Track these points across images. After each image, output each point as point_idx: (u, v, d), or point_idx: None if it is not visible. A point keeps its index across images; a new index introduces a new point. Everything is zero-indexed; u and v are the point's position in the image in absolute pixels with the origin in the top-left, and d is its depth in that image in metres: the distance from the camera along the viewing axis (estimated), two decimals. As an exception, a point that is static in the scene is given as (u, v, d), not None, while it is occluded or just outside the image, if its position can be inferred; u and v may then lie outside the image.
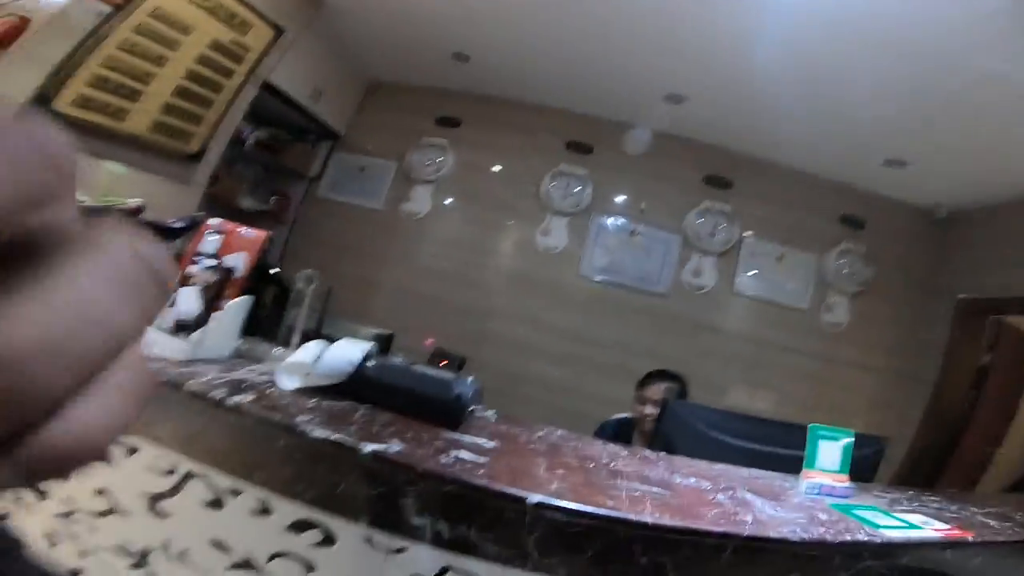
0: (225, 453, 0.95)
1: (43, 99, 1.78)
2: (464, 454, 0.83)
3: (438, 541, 0.79)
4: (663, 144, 3.15)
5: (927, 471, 2.65)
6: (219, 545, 0.99)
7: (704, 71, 2.52)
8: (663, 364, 2.92)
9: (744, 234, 3.13)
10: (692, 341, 3.06)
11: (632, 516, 0.76)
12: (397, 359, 1.04)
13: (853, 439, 1.20)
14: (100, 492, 1.11)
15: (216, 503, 0.97)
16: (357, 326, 1.80)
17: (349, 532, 0.86)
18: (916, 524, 0.95)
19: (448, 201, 3.39)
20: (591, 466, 0.95)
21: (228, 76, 2.34)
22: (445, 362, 2.30)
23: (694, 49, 2.38)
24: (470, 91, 3.32)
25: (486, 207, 3.34)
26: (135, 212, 1.39)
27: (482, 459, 0.84)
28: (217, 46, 2.23)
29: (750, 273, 3.12)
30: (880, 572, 0.84)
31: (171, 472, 1.02)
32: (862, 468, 1.21)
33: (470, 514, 0.77)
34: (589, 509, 0.75)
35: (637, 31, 2.38)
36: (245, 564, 0.97)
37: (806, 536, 0.83)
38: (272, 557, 0.93)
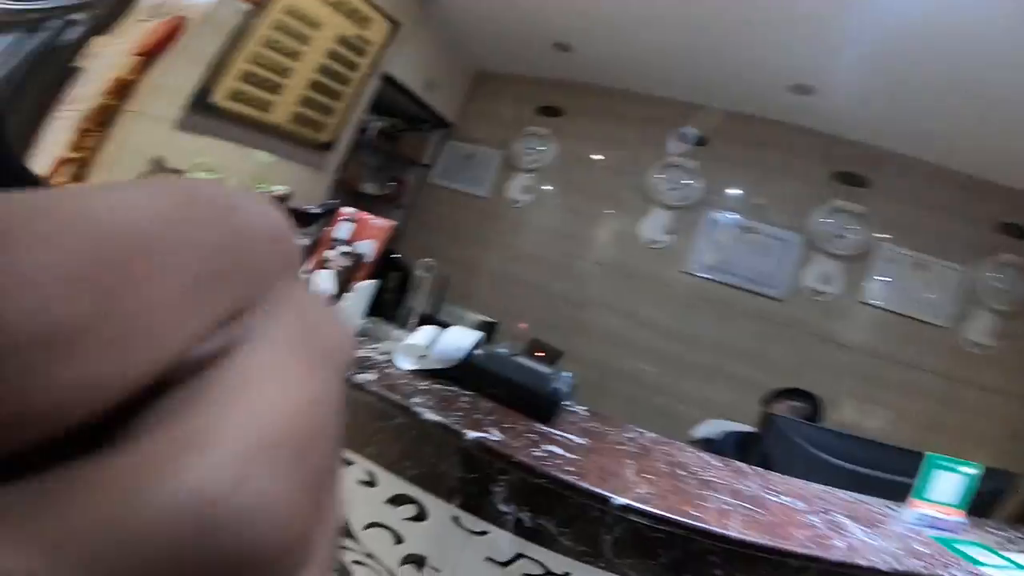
0: (345, 427, 1.06)
1: (204, 93, 1.99)
2: (556, 449, 0.89)
3: (519, 529, 0.84)
4: (785, 136, 2.91)
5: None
6: None
7: (834, 59, 2.30)
8: (768, 371, 2.77)
9: (878, 237, 2.79)
10: (805, 350, 2.81)
11: (715, 528, 0.78)
12: (501, 348, 1.11)
13: (978, 472, 1.10)
14: None
15: None
16: (466, 312, 1.90)
17: (440, 510, 0.93)
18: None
19: (549, 190, 3.41)
20: (681, 474, 0.97)
21: (353, 69, 2.51)
22: (542, 353, 2.37)
23: (823, 36, 2.20)
24: (573, 80, 3.30)
25: (587, 197, 3.29)
26: (282, 199, 1.57)
27: (571, 455, 0.89)
28: (343, 40, 2.39)
29: (882, 281, 2.78)
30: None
31: None
32: (982, 503, 1.11)
33: (553, 507, 0.82)
34: (672, 516, 0.77)
35: (759, 16, 2.23)
36: (343, 531, 1.07)
37: (898, 567, 0.79)
38: (368, 526, 1.02)
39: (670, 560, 0.79)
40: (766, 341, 2.85)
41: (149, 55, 1.89)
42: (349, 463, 1.05)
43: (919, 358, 2.73)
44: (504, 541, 0.87)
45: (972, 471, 1.09)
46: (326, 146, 2.59)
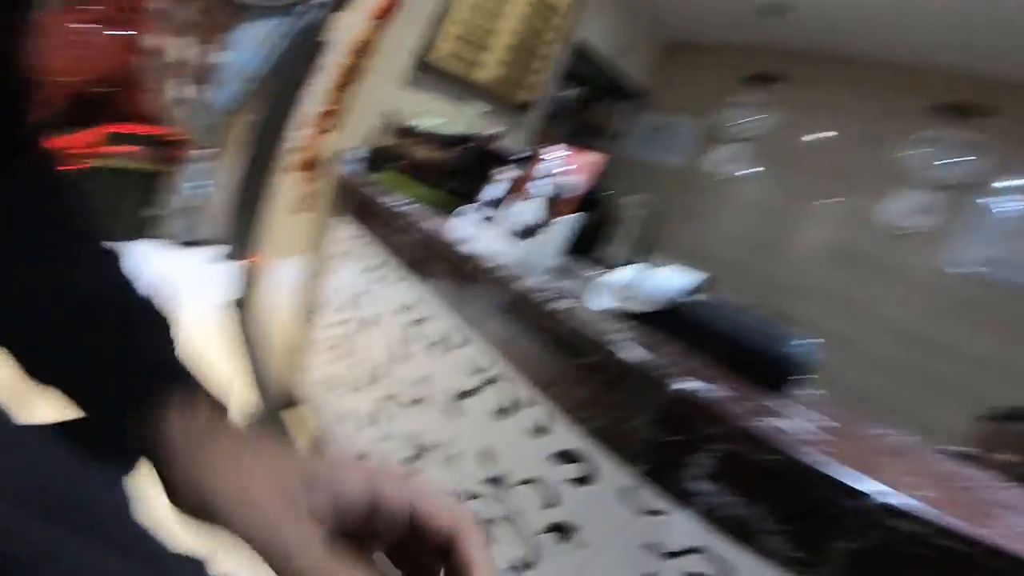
0: (533, 360, 0.96)
1: (425, 50, 2.20)
2: (786, 424, 0.70)
3: (713, 516, 0.67)
4: None
5: None
6: (487, 455, 1.00)
7: None
8: None
9: None
10: None
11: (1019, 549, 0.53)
12: (728, 304, 0.92)
13: None
14: (421, 381, 1.24)
15: (503, 412, 0.99)
16: (678, 264, 1.73)
17: (612, 476, 0.79)
18: None
19: (759, 163, 3.03)
20: (960, 485, 0.71)
21: (547, 33, 2.57)
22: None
23: None
24: (791, 45, 2.93)
25: (808, 172, 2.88)
26: (492, 139, 1.60)
27: (809, 436, 0.69)
28: (536, 3, 2.46)
29: None
30: None
31: (482, 371, 1.06)
32: None
33: (773, 495, 0.64)
34: (964, 529, 0.55)
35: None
36: (495, 480, 0.98)
37: None
38: (524, 482, 0.91)
39: None
40: None
41: (382, 18, 2.10)
42: (525, 406, 0.96)
43: None
44: (681, 529, 0.70)
45: None
46: (523, 107, 2.69)
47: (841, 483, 0.59)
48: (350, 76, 2.11)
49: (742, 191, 3.08)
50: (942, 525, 0.55)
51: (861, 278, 2.62)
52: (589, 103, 3.54)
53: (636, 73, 3.38)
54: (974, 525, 0.57)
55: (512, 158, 1.60)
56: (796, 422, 0.72)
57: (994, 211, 2.38)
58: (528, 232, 1.16)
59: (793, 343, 0.81)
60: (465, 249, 1.15)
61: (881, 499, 0.57)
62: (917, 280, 2.50)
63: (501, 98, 2.50)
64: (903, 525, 0.56)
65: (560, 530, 0.85)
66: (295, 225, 2.19)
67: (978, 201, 2.42)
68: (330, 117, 2.13)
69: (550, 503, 0.87)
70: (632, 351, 0.77)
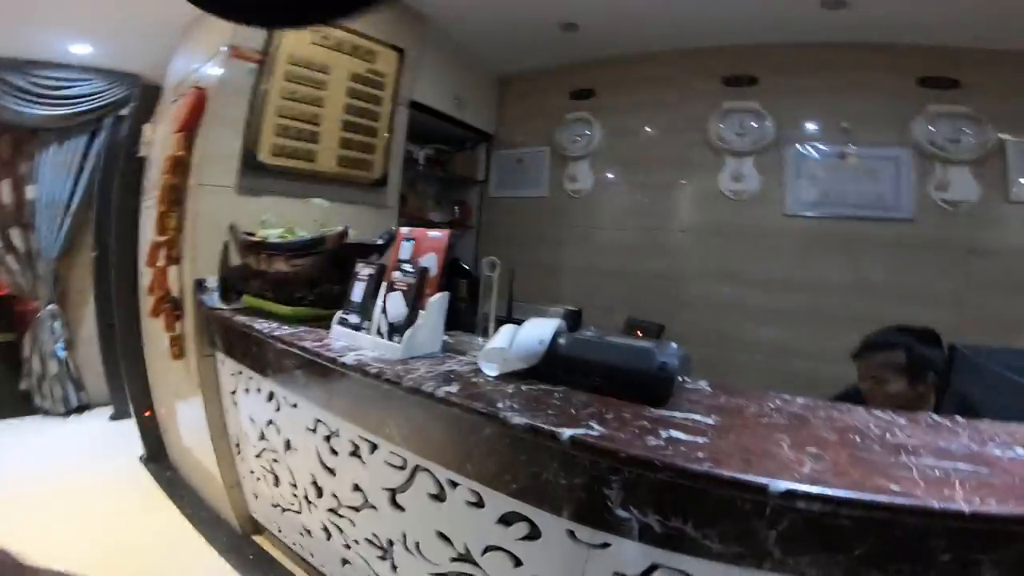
0: (442, 445, 0.97)
1: (250, 154, 2.06)
2: (678, 434, 0.69)
3: (646, 536, 0.67)
4: (845, 56, 2.60)
5: None
6: (443, 537, 1.02)
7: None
8: (927, 303, 2.36)
9: (1000, 135, 2.39)
10: (962, 270, 2.39)
11: (937, 504, 0.55)
12: (588, 332, 0.94)
13: None
14: (356, 488, 1.25)
15: (439, 496, 1.00)
16: (546, 307, 1.77)
17: (553, 525, 0.80)
18: None
19: (610, 171, 3.22)
20: (858, 440, 0.74)
21: (378, 103, 2.54)
22: (640, 333, 2.14)
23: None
24: (593, 58, 3.15)
25: (652, 167, 3.06)
26: (343, 235, 1.55)
27: (701, 439, 0.69)
28: (357, 77, 2.43)
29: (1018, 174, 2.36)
30: None
31: (403, 467, 1.09)
32: None
33: (687, 505, 0.64)
34: (868, 497, 0.56)
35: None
36: (464, 557, 0.98)
37: None
38: (486, 550, 0.93)
39: (867, 550, 0.58)
40: (906, 269, 2.47)
41: (187, 129, 1.98)
42: (455, 484, 0.97)
43: None
44: (632, 552, 0.72)
45: None
46: (379, 183, 2.63)
47: (738, 481, 0.59)
48: (173, 195, 1.97)
49: (602, 200, 3.25)
50: (843, 497, 0.56)
51: (729, 244, 2.83)
52: (447, 157, 3.63)
53: (479, 117, 3.50)
54: (883, 480, 0.59)
55: (372, 245, 1.57)
56: (685, 430, 0.73)
57: (807, 157, 2.70)
58: (403, 325, 1.13)
59: (661, 354, 0.83)
60: (349, 361, 1.11)
61: (779, 488, 0.57)
62: (771, 234, 2.74)
63: (351, 181, 2.47)
64: (810, 506, 0.57)
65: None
66: (178, 368, 2.03)
67: (790, 153, 2.72)
68: (169, 246, 1.97)
69: (517, 563, 0.88)
70: (517, 416, 0.76)
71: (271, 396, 1.53)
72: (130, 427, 2.72)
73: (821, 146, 2.70)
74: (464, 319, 1.28)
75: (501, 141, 3.61)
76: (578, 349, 0.87)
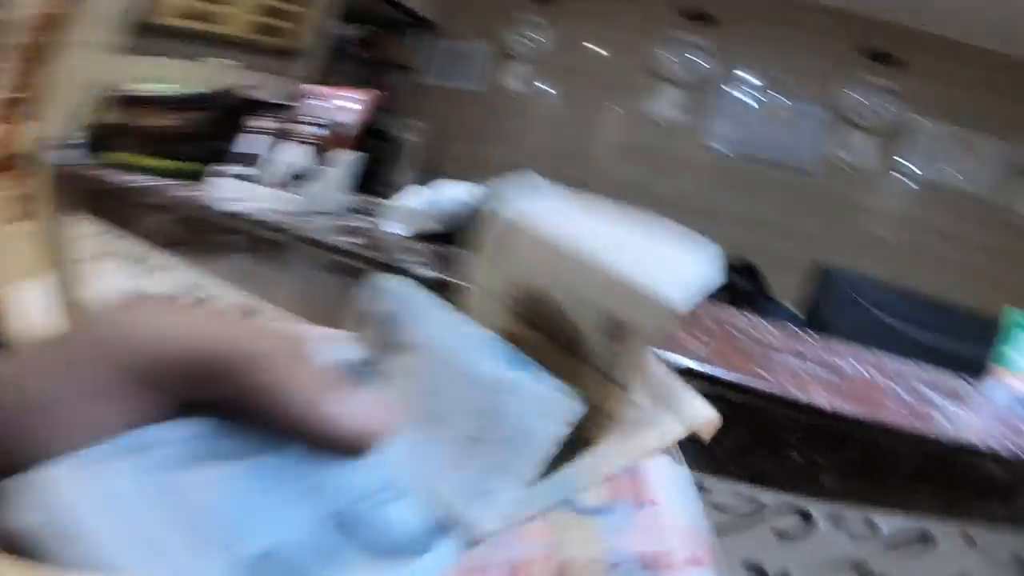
0: (340, 309, 0.89)
1: (146, 14, 1.83)
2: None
3: None
4: (804, 16, 2.76)
5: None
6: None
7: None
8: (804, 245, 2.67)
9: (912, 114, 2.72)
10: (838, 222, 2.76)
11: (803, 397, 0.59)
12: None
13: None
14: None
15: None
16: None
17: None
18: None
19: (549, 78, 3.19)
20: (734, 333, 0.79)
21: None
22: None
23: None
24: None
25: (591, 81, 3.10)
26: (238, 93, 1.36)
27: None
28: None
29: (916, 154, 2.74)
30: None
31: None
32: None
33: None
34: (751, 382, 0.59)
35: None
36: None
37: (1013, 449, 0.60)
38: None
39: (734, 441, 0.61)
40: (793, 213, 2.79)
41: None
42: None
43: (966, 229, 2.65)
44: None
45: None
46: (294, 53, 2.40)
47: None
48: (38, 55, 1.68)
49: (537, 106, 3.19)
50: (728, 379, 0.59)
51: (647, 163, 2.98)
52: (378, 40, 3.30)
53: (423, 3, 3.21)
54: (757, 369, 0.63)
55: (269, 105, 1.39)
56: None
57: (737, 100, 2.88)
58: (300, 178, 1.02)
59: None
60: (232, 210, 0.98)
61: (682, 366, 0.59)
62: (686, 160, 2.94)
63: (261, 48, 2.20)
64: (698, 385, 0.59)
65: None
66: (19, 238, 1.75)
67: (724, 93, 2.88)
68: (22, 104, 1.70)
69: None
70: (424, 269, 0.72)
71: (141, 259, 1.36)
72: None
73: (753, 92, 2.89)
74: (378, 185, 1.19)
75: (444, 30, 3.39)
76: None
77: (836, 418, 0.60)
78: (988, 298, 2.52)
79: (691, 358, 0.60)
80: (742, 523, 0.65)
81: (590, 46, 3.12)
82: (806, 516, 0.65)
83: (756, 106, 2.87)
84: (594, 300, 0.26)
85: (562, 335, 0.26)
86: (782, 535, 0.66)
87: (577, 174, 3.05)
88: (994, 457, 0.60)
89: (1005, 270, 2.56)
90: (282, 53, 2.34)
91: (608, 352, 0.25)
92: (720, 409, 0.60)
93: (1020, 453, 0.60)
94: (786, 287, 2.14)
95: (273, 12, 2.27)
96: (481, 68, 3.32)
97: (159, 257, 1.26)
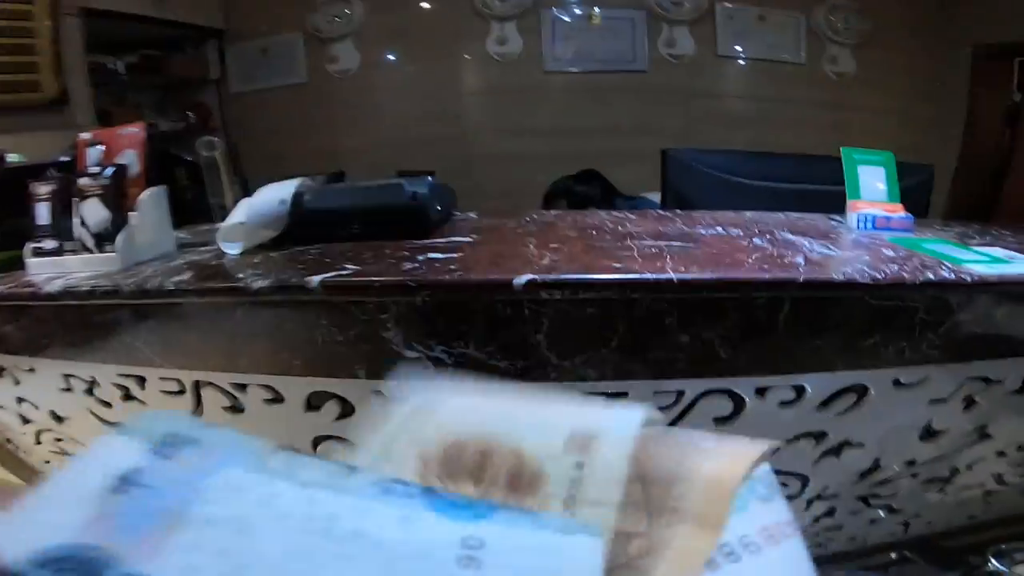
0: (200, 347, 0.78)
1: None
2: (435, 255, 0.69)
3: (443, 370, 0.64)
4: None
5: (971, 217, 2.55)
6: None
7: None
8: (661, 137, 2.79)
9: (723, 2, 2.97)
10: (685, 110, 2.97)
11: (646, 274, 0.60)
12: (338, 185, 0.86)
13: (893, 159, 1.00)
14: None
15: (235, 407, 0.82)
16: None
17: (361, 393, 0.71)
18: (1004, 259, 0.71)
19: (379, 47, 3.07)
20: (593, 233, 0.81)
21: (27, 18, 2.07)
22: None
23: None
24: None
25: (421, 38, 3.03)
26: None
27: (456, 255, 0.69)
28: None
29: (731, 36, 3.01)
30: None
31: (182, 390, 0.90)
32: (912, 203, 0.97)
33: (461, 327, 0.62)
34: (588, 277, 0.59)
35: None
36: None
37: (879, 277, 0.61)
38: (316, 442, 0.80)
39: (621, 338, 0.60)
40: (647, 112, 2.95)
41: None
42: (243, 386, 0.80)
43: (794, 93, 2.97)
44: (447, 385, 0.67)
45: (889, 159, 0.99)
46: (57, 102, 2.19)
47: (484, 283, 0.60)
48: None
49: (376, 78, 3.07)
50: (570, 280, 0.59)
51: (505, 103, 3.02)
52: (161, 61, 3.00)
53: (198, 11, 2.94)
54: (608, 261, 0.64)
55: (45, 168, 1.22)
56: (447, 248, 0.72)
57: (562, 20, 2.96)
58: (105, 235, 0.91)
59: (412, 186, 0.80)
60: (53, 289, 0.85)
61: (521, 281, 0.58)
62: (538, 89, 3.01)
63: (10, 107, 1.97)
64: (552, 295, 0.59)
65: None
66: None
67: (548, 16, 2.94)
68: None
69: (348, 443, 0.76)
70: (260, 279, 0.66)
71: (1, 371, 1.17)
72: None
73: (574, 8, 2.99)
74: (198, 213, 1.10)
75: (237, 34, 3.11)
76: (324, 200, 0.80)
77: (686, 287, 0.59)
78: (831, 143, 2.85)
79: (534, 272, 0.60)
80: (678, 422, 0.65)
81: (409, 2, 3.03)
82: (731, 395, 0.65)
83: (578, 22, 2.97)
84: (555, 424, 0.30)
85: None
86: (719, 420, 0.66)
87: (442, 133, 3.01)
88: (854, 286, 0.61)
89: (833, 116, 2.89)
90: (40, 107, 2.12)
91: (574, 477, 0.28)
92: (592, 316, 0.60)
93: (879, 278, 0.61)
94: (652, 181, 2.20)
95: (8, 68, 2.04)
96: (296, 59, 3.12)
97: (14, 360, 1.09)
